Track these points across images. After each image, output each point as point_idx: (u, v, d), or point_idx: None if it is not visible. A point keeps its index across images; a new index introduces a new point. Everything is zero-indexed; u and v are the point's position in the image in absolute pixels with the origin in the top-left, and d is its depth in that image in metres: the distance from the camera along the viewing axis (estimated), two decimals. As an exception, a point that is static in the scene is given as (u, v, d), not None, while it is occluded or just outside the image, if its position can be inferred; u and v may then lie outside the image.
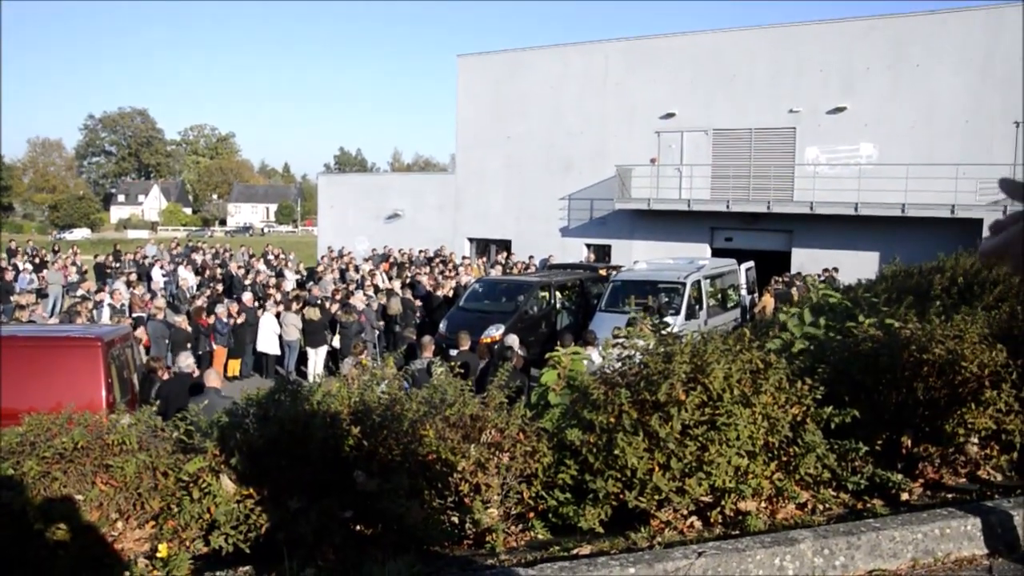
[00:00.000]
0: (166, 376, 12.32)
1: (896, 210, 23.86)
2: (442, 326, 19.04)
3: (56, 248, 33.36)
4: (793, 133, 26.93)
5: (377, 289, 22.60)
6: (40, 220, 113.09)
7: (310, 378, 17.92)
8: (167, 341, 16.12)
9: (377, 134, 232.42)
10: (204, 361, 16.65)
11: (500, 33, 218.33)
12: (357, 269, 27.76)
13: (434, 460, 4.41)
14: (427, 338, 12.98)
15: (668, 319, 15.35)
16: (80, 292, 21.11)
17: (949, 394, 4.86)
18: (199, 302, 19.07)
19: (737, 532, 4.25)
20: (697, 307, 18.71)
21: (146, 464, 4.48)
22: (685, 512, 4.43)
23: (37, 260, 27.90)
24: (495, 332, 17.06)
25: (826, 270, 23.73)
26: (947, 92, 24.42)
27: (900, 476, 4.65)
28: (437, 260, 29.52)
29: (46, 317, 18.12)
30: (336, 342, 18.78)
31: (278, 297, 20.33)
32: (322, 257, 32.56)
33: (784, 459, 4.49)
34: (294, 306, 18.94)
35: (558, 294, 20.72)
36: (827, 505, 4.53)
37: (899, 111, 25.16)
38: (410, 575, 3.77)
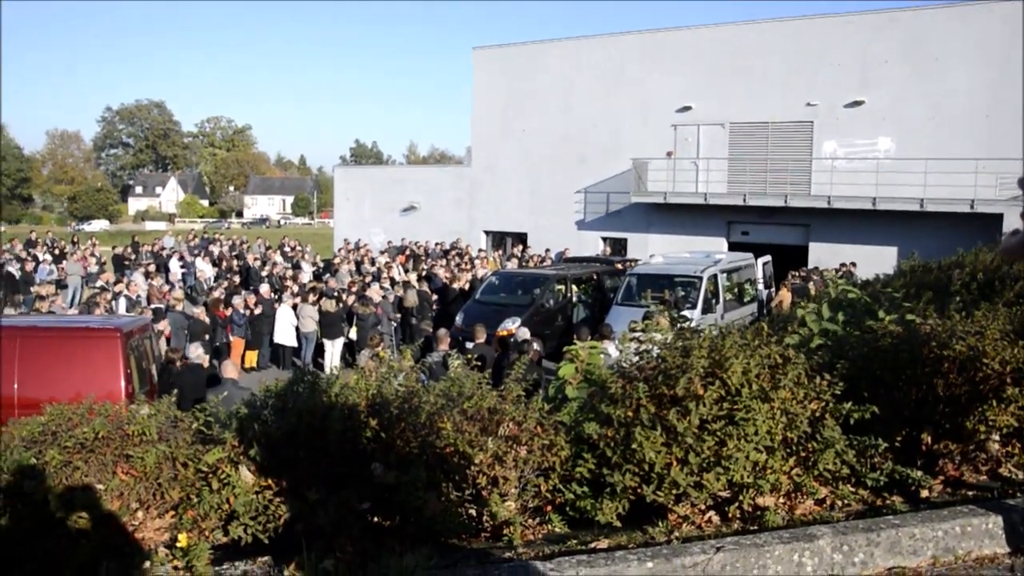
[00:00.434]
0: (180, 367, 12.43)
1: (914, 205, 23.70)
2: (458, 319, 19.07)
3: (75, 239, 33.57)
4: (810, 126, 26.78)
5: (393, 282, 22.65)
6: (59, 211, 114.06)
7: (327, 370, 17.95)
8: (186, 332, 16.23)
9: (392, 127, 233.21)
10: (222, 352, 16.74)
11: (516, 26, 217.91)
12: (373, 261, 27.84)
13: (452, 453, 4.42)
14: (443, 331, 13.01)
15: (685, 313, 15.33)
16: (99, 283, 21.27)
17: (970, 391, 4.82)
18: (216, 294, 19.18)
19: (755, 527, 4.24)
20: (714, 301, 18.66)
21: (166, 454, 4.51)
22: (703, 507, 4.42)
23: (56, 251, 28.11)
24: (511, 325, 17.07)
25: (843, 265, 23.60)
26: (966, 85, 24.21)
27: (920, 473, 4.62)
28: (453, 253, 29.56)
29: (66, 308, 18.27)
30: (353, 334, 18.84)
31: (295, 289, 20.42)
32: (338, 249, 32.67)
33: (803, 455, 4.47)
34: (311, 298, 19.01)
35: (574, 287, 20.71)
36: (846, 501, 4.51)
37: (917, 105, 24.95)
38: (427, 567, 3.78)
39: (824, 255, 25.76)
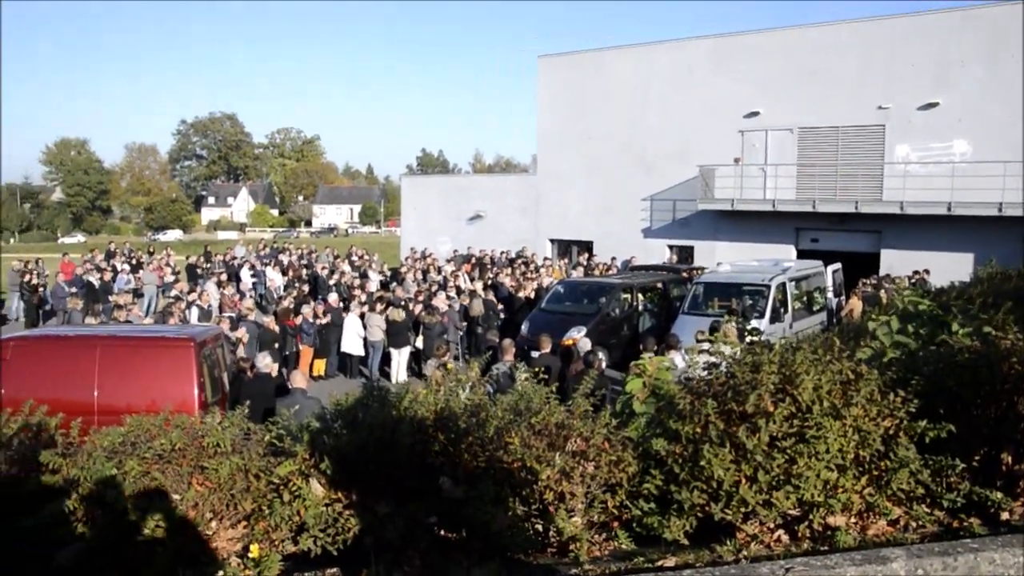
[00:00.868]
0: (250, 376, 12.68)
1: (992, 209, 22.98)
2: (524, 328, 19.10)
3: (151, 249, 34.54)
4: (882, 131, 26.20)
5: (459, 290, 22.78)
6: (136, 222, 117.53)
7: (393, 378, 18.20)
8: (256, 341, 16.56)
9: (458, 135, 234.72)
10: (291, 361, 17.04)
11: (582, 34, 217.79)
12: (440, 270, 28.03)
13: (519, 468, 4.43)
14: (507, 341, 13.03)
15: (752, 322, 15.11)
16: (174, 292, 21.83)
17: (1053, 408, 4.66)
18: (286, 303, 19.53)
19: (826, 548, 4.16)
20: (782, 310, 18.36)
21: (239, 466, 4.61)
22: (772, 525, 4.35)
23: (134, 261, 28.93)
24: (576, 334, 17.03)
25: (916, 272, 23.02)
26: (1050, 84, 23.41)
27: (1000, 495, 4.47)
28: (519, 261, 29.61)
29: (142, 317, 18.80)
30: (419, 343, 19.00)
31: (362, 298, 20.67)
32: (405, 258, 32.99)
33: (875, 474, 4.37)
34: (378, 307, 19.22)
35: (640, 296, 20.58)
36: (920, 523, 4.39)
37: (996, 105, 24.18)
38: (495, 583, 3.80)
39: (896, 262, 25.16)
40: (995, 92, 24.22)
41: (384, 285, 25.96)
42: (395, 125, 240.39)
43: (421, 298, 20.71)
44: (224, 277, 24.40)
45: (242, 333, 15.97)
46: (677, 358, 10.55)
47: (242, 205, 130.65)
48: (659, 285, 21.64)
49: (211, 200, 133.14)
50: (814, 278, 21.00)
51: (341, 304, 20.22)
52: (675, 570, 3.86)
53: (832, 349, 4.67)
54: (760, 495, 4.18)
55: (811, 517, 4.26)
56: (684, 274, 23.82)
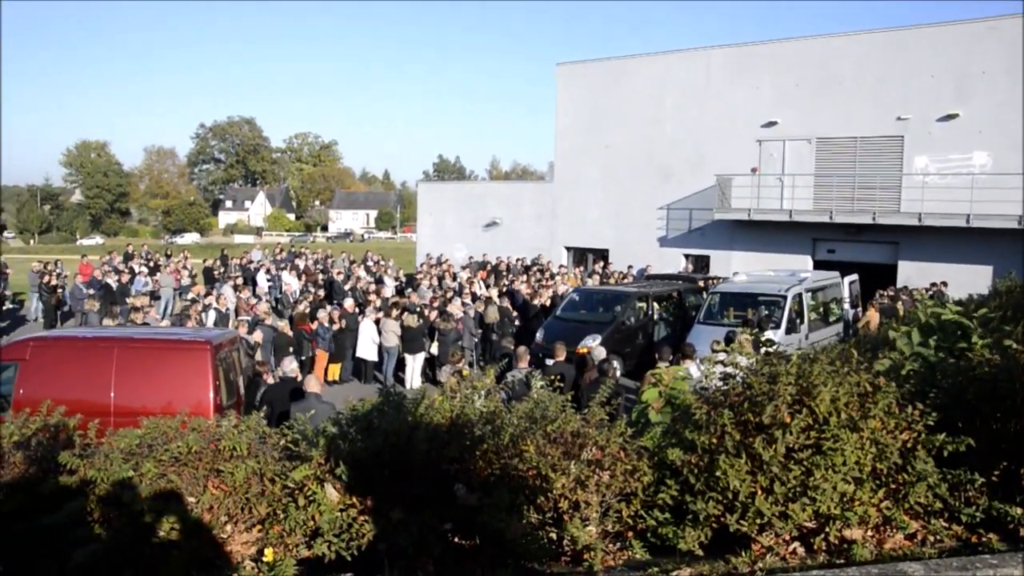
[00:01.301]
0: (271, 380, 12.68)
1: (1012, 222, 22.80)
2: (539, 335, 19.09)
3: (168, 252, 34.75)
4: (901, 141, 26.04)
5: (475, 297, 22.79)
6: (154, 225, 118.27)
7: (407, 384, 18.22)
8: (271, 345, 16.62)
9: (475, 142, 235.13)
10: (306, 366, 17.08)
11: (600, 41, 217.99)
12: (455, 277, 28.05)
13: (534, 476, 4.43)
14: (522, 348, 13.02)
15: (768, 333, 15.05)
16: (190, 295, 21.94)
17: (1074, 423, 4.62)
18: (301, 307, 19.58)
19: (842, 561, 4.13)
20: (798, 321, 18.28)
21: (255, 470, 4.62)
22: (787, 538, 4.33)
23: (151, 264, 29.11)
24: (591, 342, 17.01)
25: (934, 284, 22.86)
26: (1070, 97, 23.22)
27: (1020, 510, 4.42)
28: (534, 269, 29.59)
29: (159, 319, 18.89)
30: (434, 349, 19.01)
31: (377, 303, 20.70)
32: (421, 264, 33.03)
33: (893, 487, 4.35)
34: (393, 313, 19.25)
35: (655, 305, 20.53)
36: (938, 537, 4.36)
37: (1017, 117, 23.98)
38: (509, 591, 3.80)
39: (913, 274, 24.99)
40: (1016, 104, 24.03)
41: (399, 291, 26.00)
42: (412, 131, 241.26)
43: (436, 304, 20.72)
44: (240, 281, 24.48)
45: (257, 337, 16.03)
46: (692, 368, 10.52)
47: (259, 209, 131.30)
48: (674, 294, 21.58)
49: (228, 204, 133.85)
50: (830, 289, 20.89)
51: (356, 309, 20.25)
52: (690, 581, 3.85)
53: (849, 361, 4.65)
54: (776, 507, 4.16)
55: (827, 530, 4.23)
56: (700, 283, 23.74)
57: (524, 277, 26.67)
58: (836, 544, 4.27)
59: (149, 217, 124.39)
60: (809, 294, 19.11)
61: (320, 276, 27.54)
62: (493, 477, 4.46)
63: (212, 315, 18.70)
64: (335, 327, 18.75)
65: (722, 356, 5.16)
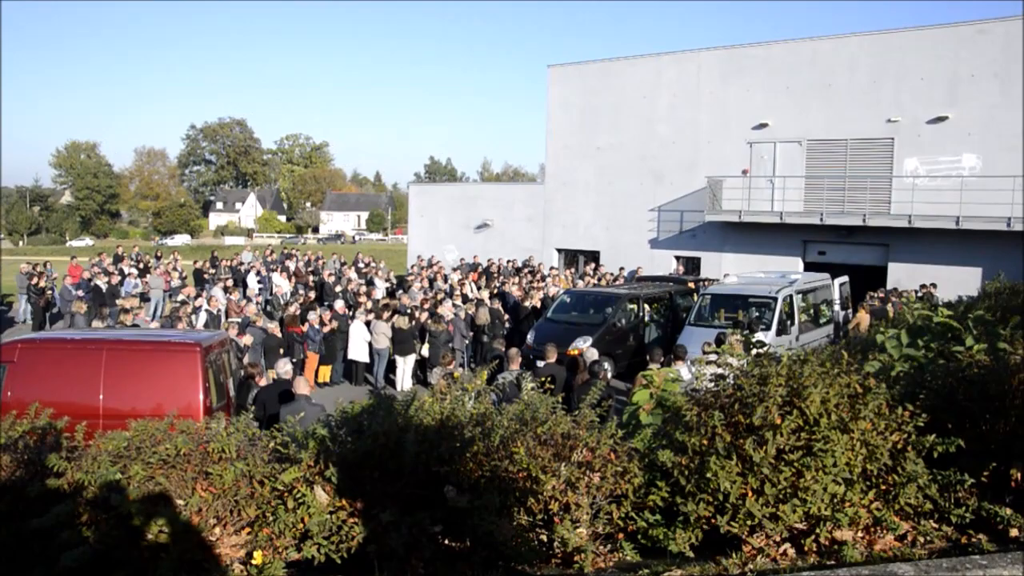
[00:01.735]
0: (263, 382, 12.63)
1: (1001, 224, 22.91)
2: (529, 337, 19.10)
3: (158, 254, 34.60)
4: (891, 143, 26.13)
5: (466, 299, 22.77)
6: (144, 226, 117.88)
7: (398, 386, 18.18)
8: (261, 347, 16.57)
9: (467, 143, 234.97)
10: (296, 368, 17.04)
11: (592, 43, 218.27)
12: (446, 278, 28.02)
13: (524, 478, 4.42)
14: (514, 350, 13.01)
15: (759, 335, 15.07)
16: (180, 297, 21.85)
17: (1063, 425, 4.63)
18: (292, 309, 19.54)
19: (832, 562, 4.13)
20: (789, 323, 18.31)
21: (243, 472, 4.60)
22: (778, 539, 4.33)
23: (141, 265, 28.97)
24: (582, 344, 17.01)
25: (924, 286, 22.94)
26: (1059, 100, 23.35)
27: (1009, 511, 4.44)
28: (525, 270, 29.59)
29: (148, 321, 18.82)
30: (425, 351, 18.99)
31: (368, 305, 20.67)
32: (412, 266, 32.98)
33: (883, 488, 4.35)
34: (384, 314, 19.21)
35: (646, 307, 20.55)
36: (928, 538, 4.36)
37: (1006, 120, 24.11)
38: (499, 593, 3.78)
39: (904, 276, 25.08)
40: (1005, 107, 24.16)
41: (390, 293, 25.95)
42: (404, 133, 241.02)
43: (427, 306, 20.70)
44: (231, 282, 24.40)
45: (246, 339, 15.99)
46: (683, 370, 10.52)
47: (250, 210, 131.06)
48: (665, 296, 21.60)
49: (219, 205, 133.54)
50: (821, 291, 20.94)
51: (347, 311, 20.21)
52: (680, 583, 3.84)
53: (840, 362, 4.65)
54: (767, 508, 4.16)
55: (818, 531, 4.24)
56: (691, 285, 23.78)
57: (515, 279, 26.66)
58: (826, 545, 4.27)
59: (139, 218, 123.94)
60: (800, 296, 19.15)
61: (311, 278, 27.48)
62: (483, 479, 4.44)
63: (202, 317, 18.64)
64: (325, 329, 18.71)
65: (713, 357, 5.16)
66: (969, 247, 24.06)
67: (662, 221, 30.71)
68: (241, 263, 30.37)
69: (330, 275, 27.58)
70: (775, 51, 28.50)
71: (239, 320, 17.89)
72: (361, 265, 31.10)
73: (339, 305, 20.21)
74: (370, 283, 26.66)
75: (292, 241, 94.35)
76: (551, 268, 30.91)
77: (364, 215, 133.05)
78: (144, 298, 24.22)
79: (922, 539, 4.36)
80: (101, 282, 23.75)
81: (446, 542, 4.42)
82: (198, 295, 21.45)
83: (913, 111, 25.56)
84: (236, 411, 11.04)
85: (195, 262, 30.77)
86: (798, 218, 26.83)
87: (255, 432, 5.16)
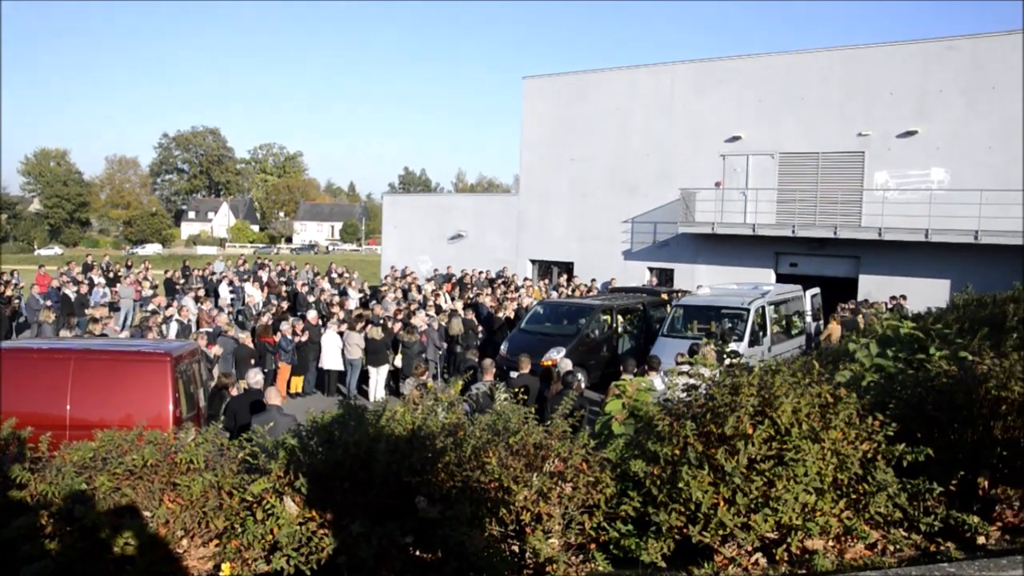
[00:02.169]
0: (235, 392, 12.53)
1: (969, 237, 23.22)
2: (503, 348, 19.08)
3: (129, 263, 34.22)
4: (862, 157, 26.43)
5: (439, 309, 22.72)
6: (115, 235, 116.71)
7: (371, 397, 18.08)
8: (232, 357, 16.43)
9: (441, 154, 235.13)
10: (268, 378, 16.90)
11: (567, 55, 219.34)
12: (420, 289, 27.96)
13: (496, 488, 4.39)
14: (488, 361, 12.99)
15: (731, 346, 15.14)
16: (151, 307, 21.62)
17: (1029, 434, 4.67)
18: (264, 319, 19.39)
19: (804, 572, 4.14)
20: (761, 334, 18.42)
21: (212, 483, 4.55)
22: (750, 548, 4.33)
23: (111, 274, 28.66)
24: (556, 355, 17.01)
25: (894, 298, 23.22)
26: (1024, 115, 23.74)
27: (977, 519, 4.48)
28: (499, 281, 29.58)
29: (118, 331, 18.59)
30: (398, 361, 18.91)
31: (341, 315, 20.56)
32: (385, 276, 32.87)
33: (853, 497, 4.37)
34: (357, 325, 19.12)
35: (620, 318, 20.59)
36: (898, 546, 4.39)
37: (974, 134, 24.51)
38: (470, 604, 3.75)
39: (874, 288, 25.35)
40: (972, 121, 24.55)
41: (364, 303, 25.83)
42: (378, 143, 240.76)
43: (400, 316, 20.62)
44: (202, 292, 24.18)
45: (216, 349, 15.83)
46: (657, 380, 10.54)
47: (222, 220, 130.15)
48: (639, 307, 21.67)
49: (191, 214, 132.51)
50: (793, 302, 21.10)
51: (320, 321, 20.09)
52: (652, 593, 3.83)
53: (811, 372, 4.68)
54: (738, 518, 4.16)
55: (789, 540, 4.24)
56: (664, 296, 23.87)
57: (489, 290, 26.64)
58: (798, 554, 4.28)
59: (110, 227, 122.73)
60: (772, 307, 19.28)
61: (283, 288, 27.30)
62: (455, 489, 4.41)
63: (173, 327, 18.45)
64: (298, 339, 18.59)
65: (686, 368, 5.17)
66: (938, 259, 24.36)
67: (635, 233, 30.84)
68: (213, 273, 30.15)
69: (303, 285, 27.42)
70: (748, 65, 28.77)
71: (210, 330, 17.72)
72: (334, 275, 30.96)
73: (312, 315, 20.08)
74: (343, 293, 26.54)
75: (265, 251, 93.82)
76: (525, 279, 30.92)
77: (338, 225, 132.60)
78: (114, 308, 23.93)
79: (892, 547, 4.38)
80: (70, 291, 23.46)
81: (417, 553, 4.38)
82: (169, 305, 21.22)
83: (883, 125, 25.89)
84: (207, 421, 10.93)
85: (166, 272, 30.52)
86: (770, 230, 27.04)
87: (224, 442, 5.09)
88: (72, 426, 9.89)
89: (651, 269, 30.67)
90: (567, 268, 32.47)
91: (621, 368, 12.18)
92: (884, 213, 25.05)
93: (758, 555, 4.35)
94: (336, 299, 24.15)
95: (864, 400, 4.79)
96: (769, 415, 4.29)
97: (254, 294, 25.80)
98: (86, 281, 25.19)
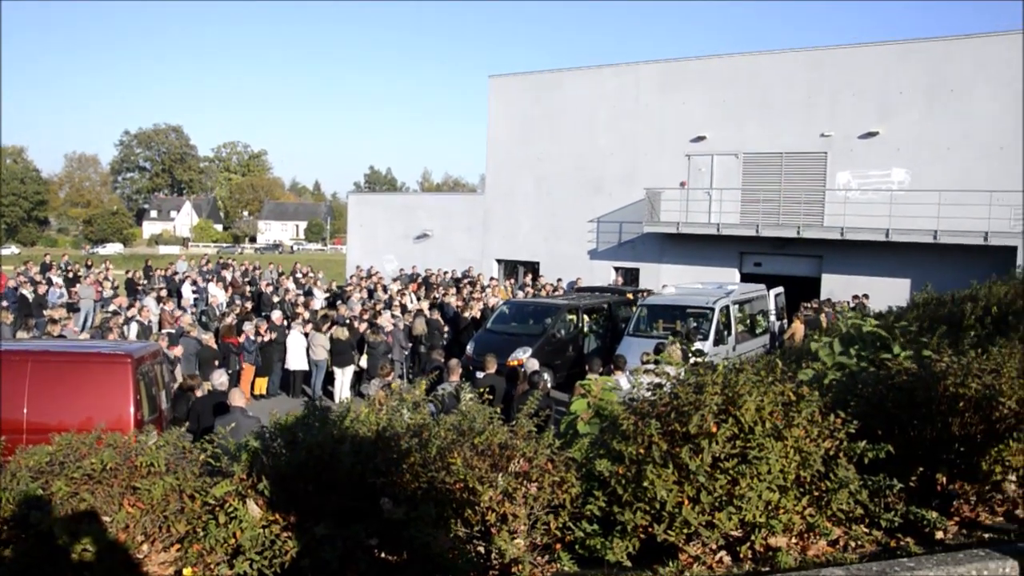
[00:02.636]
0: (200, 394, 12.39)
1: (928, 236, 23.58)
2: (469, 348, 19.05)
3: (89, 263, 33.71)
4: (824, 157, 26.72)
5: (405, 309, 22.63)
6: (75, 234, 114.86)
7: (336, 398, 17.96)
8: (195, 358, 16.24)
9: (407, 153, 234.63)
10: (232, 380, 16.73)
11: (533, 54, 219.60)
12: (385, 289, 27.83)
13: (461, 489, 4.37)
14: (454, 361, 12.96)
15: (696, 345, 15.24)
16: (112, 307, 21.31)
17: (986, 430, 4.75)
18: (228, 320, 19.19)
19: (767, 569, 4.17)
20: (726, 333, 18.56)
21: (173, 487, 4.49)
22: (714, 546, 4.36)
23: (70, 275, 28.21)
24: (522, 355, 17.02)
25: (856, 297, 23.51)
26: (982, 117, 24.14)
27: (935, 514, 4.54)
28: (465, 281, 29.53)
29: (77, 332, 18.31)
30: (364, 362, 18.80)
31: (306, 316, 20.41)
32: (351, 276, 32.69)
33: (816, 494, 4.41)
34: (323, 325, 18.98)
35: (586, 317, 20.65)
36: (859, 542, 4.43)
37: (933, 136, 24.90)
38: (435, 606, 3.74)
39: (837, 287, 25.64)
40: (931, 123, 24.94)
41: (330, 303, 25.66)
42: (343, 142, 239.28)
43: (366, 316, 20.51)
44: (164, 292, 23.89)
45: (177, 351, 15.63)
46: (622, 379, 10.58)
47: (185, 219, 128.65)
48: (605, 307, 21.74)
49: (153, 214, 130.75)
50: (757, 301, 21.28)
51: (285, 322, 19.93)
52: (617, 592, 3.84)
53: (774, 371, 4.71)
54: (703, 516, 4.18)
55: (753, 538, 4.27)
56: (629, 296, 23.96)
57: (455, 290, 26.58)
58: (761, 552, 4.31)
59: (69, 226, 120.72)
60: (736, 306, 19.43)
61: (248, 288, 27.05)
62: (420, 490, 4.39)
63: (134, 328, 18.20)
64: (262, 340, 18.42)
65: (651, 367, 5.19)
66: (899, 259, 24.70)
67: (601, 232, 30.93)
68: (176, 273, 29.81)
69: (267, 285, 27.20)
70: (712, 65, 28.97)
71: (172, 331, 17.51)
72: (299, 275, 30.73)
73: (276, 316, 19.91)
74: (308, 293, 26.35)
75: (229, 251, 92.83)
76: (491, 279, 30.90)
77: (303, 225, 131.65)
78: (73, 308, 23.57)
79: (853, 543, 4.43)
80: (27, 291, 23.06)
81: (382, 555, 4.35)
82: (130, 305, 20.93)
83: (845, 126, 26.20)
84: (171, 424, 10.79)
85: (128, 272, 30.11)
86: (735, 230, 27.25)
87: (186, 445, 5.03)
88: (29, 430, 9.72)
89: (617, 269, 30.78)
90: (533, 268, 32.49)
91: (587, 368, 12.21)
92: (846, 213, 25.37)
93: (722, 553, 4.37)
94: (301, 299, 23.97)
95: (826, 398, 4.84)
96: (733, 413, 4.32)
97: (217, 294, 25.51)
98: (44, 281, 24.79)
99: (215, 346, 17.07)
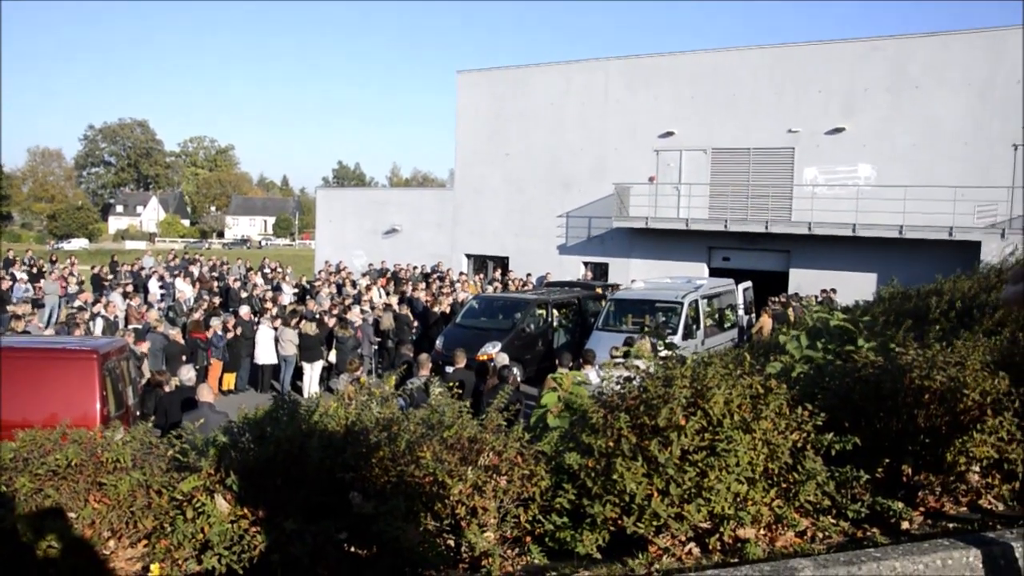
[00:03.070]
0: (168, 390, 12.30)
1: (894, 231, 23.90)
2: (438, 343, 19.03)
3: (54, 258, 33.26)
4: (792, 153, 26.98)
5: (373, 304, 22.55)
6: (38, 230, 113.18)
7: (305, 393, 17.87)
8: (163, 354, 16.08)
9: (376, 148, 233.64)
10: (200, 375, 16.58)
11: (501, 49, 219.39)
12: (354, 284, 27.72)
13: (431, 482, 4.36)
14: (424, 356, 12.95)
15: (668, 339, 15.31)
16: (77, 303, 21.05)
17: (950, 422, 4.81)
18: (196, 315, 19.02)
19: (736, 560, 4.20)
20: (694, 327, 18.68)
21: (140, 482, 4.43)
22: (683, 538, 4.38)
23: (34, 270, 27.81)
24: (491, 349, 17.03)
25: (823, 291, 23.75)
26: (947, 114, 24.51)
27: (901, 505, 4.60)
28: (434, 276, 29.49)
29: (42, 328, 18.06)
30: (332, 357, 18.72)
31: (275, 311, 20.28)
32: (319, 271, 32.52)
33: (784, 486, 4.44)
34: (291, 321, 18.88)
35: (555, 312, 20.69)
36: (827, 533, 4.48)
37: (898, 132, 25.23)
38: (405, 600, 3.72)
39: (804, 281, 25.90)
40: (896, 120, 25.26)
41: (299, 298, 25.52)
42: (311, 137, 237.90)
43: (335, 311, 20.41)
44: (131, 288, 23.63)
45: (143, 347, 15.47)
46: (592, 373, 10.62)
47: (152, 214, 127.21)
48: (574, 301, 21.79)
49: (119, 208, 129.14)
50: (725, 296, 21.44)
51: (253, 317, 19.78)
52: (587, 584, 3.85)
53: (743, 364, 4.74)
54: (672, 508, 4.20)
55: (722, 530, 4.30)
56: (598, 290, 24.04)
57: (424, 284, 26.53)
58: (730, 543, 4.34)
59: (33, 222, 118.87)
60: (705, 301, 19.56)
61: (215, 283, 26.82)
62: (390, 484, 4.37)
63: (100, 323, 17.98)
64: (229, 335, 18.27)
65: (621, 361, 5.20)
66: (865, 253, 25.01)
67: (570, 227, 31.02)
68: (142, 268, 29.50)
69: (235, 281, 26.98)
70: (680, 61, 29.13)
71: (138, 327, 17.32)
72: (268, 271, 30.52)
73: (244, 311, 19.76)
74: (277, 289, 26.18)
75: (196, 246, 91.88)
76: (460, 274, 30.89)
77: (271, 220, 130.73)
78: (38, 304, 23.25)
79: (821, 535, 4.47)
80: (-10, 287, 22.69)
81: (352, 549, 4.33)
82: (96, 301, 20.67)
83: (812, 122, 26.47)
84: (137, 419, 10.67)
85: (93, 267, 29.72)
86: (703, 224, 27.44)
87: (153, 440, 4.97)
88: (-7, 427, 9.55)
89: (586, 263, 30.89)
90: (502, 262, 32.51)
91: (557, 362, 12.23)
92: (814, 208, 25.64)
93: (691, 545, 4.39)
94: (269, 294, 23.81)
95: (794, 391, 4.88)
96: (702, 406, 4.34)
97: (185, 290, 25.28)
98: (8, 277, 24.41)
99: (182, 341, 16.92)
